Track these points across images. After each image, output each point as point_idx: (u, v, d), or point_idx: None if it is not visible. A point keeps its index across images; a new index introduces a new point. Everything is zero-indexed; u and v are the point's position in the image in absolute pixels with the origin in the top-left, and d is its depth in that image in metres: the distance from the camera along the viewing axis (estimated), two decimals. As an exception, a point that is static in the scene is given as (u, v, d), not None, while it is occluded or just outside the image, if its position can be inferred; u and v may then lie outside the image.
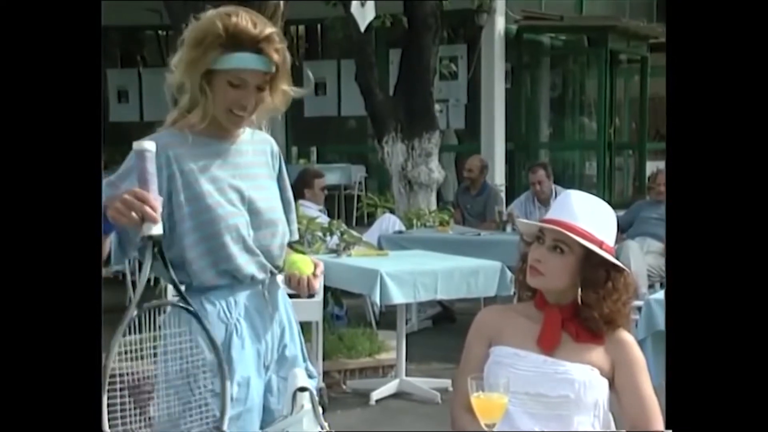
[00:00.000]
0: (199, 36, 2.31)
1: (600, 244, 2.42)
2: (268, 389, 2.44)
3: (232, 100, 2.34)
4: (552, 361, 2.41)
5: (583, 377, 2.39)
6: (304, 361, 2.53)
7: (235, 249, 2.36)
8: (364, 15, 7.64)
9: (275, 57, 2.34)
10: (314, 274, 2.44)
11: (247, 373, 2.37)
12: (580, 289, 2.43)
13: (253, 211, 2.40)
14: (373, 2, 7.64)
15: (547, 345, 2.43)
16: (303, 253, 2.68)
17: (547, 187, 8.08)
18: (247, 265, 2.38)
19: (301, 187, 7.32)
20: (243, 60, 2.32)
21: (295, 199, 8.14)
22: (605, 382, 2.43)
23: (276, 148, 2.57)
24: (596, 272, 2.41)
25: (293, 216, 2.57)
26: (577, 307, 2.47)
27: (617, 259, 2.47)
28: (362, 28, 7.95)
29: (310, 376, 2.50)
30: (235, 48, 2.30)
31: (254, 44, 2.31)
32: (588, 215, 2.44)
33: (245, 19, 2.32)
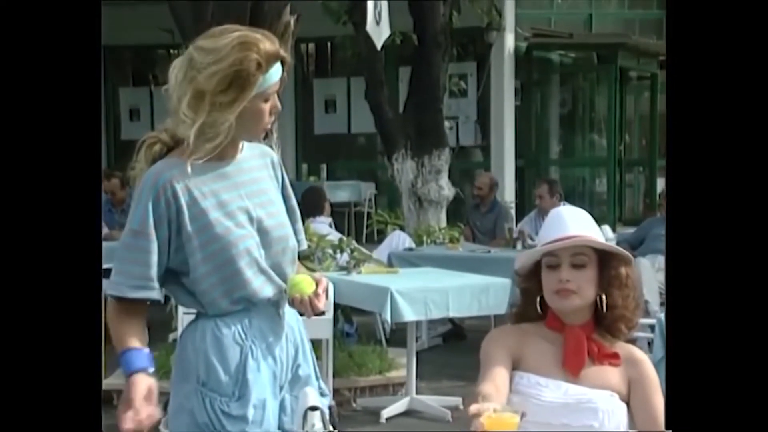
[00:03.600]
0: (229, 78, 2.26)
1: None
2: (281, 409, 2.42)
3: (268, 113, 2.36)
4: (574, 390, 2.37)
5: (607, 406, 2.36)
6: (317, 379, 2.52)
7: (249, 274, 2.34)
8: (380, 33, 7.64)
9: (288, 59, 2.37)
10: (316, 293, 2.39)
11: (263, 396, 2.36)
12: (604, 295, 2.40)
13: (262, 230, 2.38)
14: (388, 20, 7.64)
15: (574, 368, 2.39)
16: (313, 270, 2.67)
17: (547, 204, 8.05)
18: (261, 288, 2.36)
19: (321, 202, 7.36)
20: (273, 75, 2.33)
21: (314, 215, 8.06)
22: (624, 408, 2.40)
23: (276, 158, 2.54)
24: (618, 270, 2.41)
25: (299, 225, 2.54)
26: (593, 325, 2.45)
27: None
28: (378, 46, 7.94)
29: (322, 395, 2.50)
30: (267, 69, 2.31)
31: (277, 57, 2.33)
32: (585, 222, 2.45)
33: (265, 41, 2.31)
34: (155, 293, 2.29)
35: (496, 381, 2.34)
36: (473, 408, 2.04)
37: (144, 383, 2.21)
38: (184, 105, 2.28)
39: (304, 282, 2.39)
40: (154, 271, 2.28)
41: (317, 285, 2.41)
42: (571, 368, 2.39)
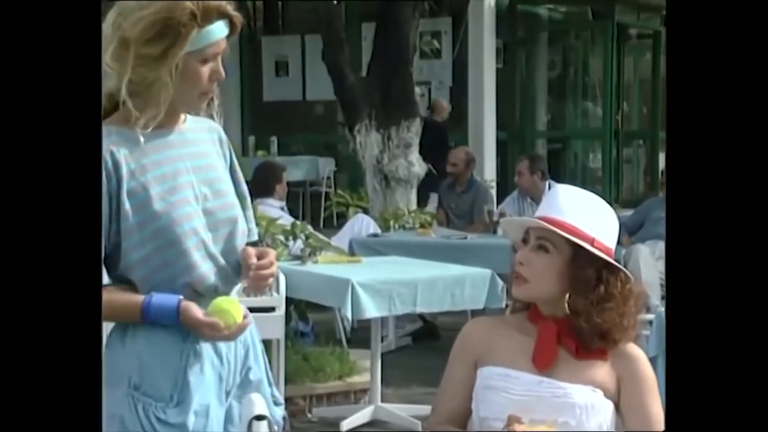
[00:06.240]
0: (157, 27, 2.27)
1: (591, 241, 2.45)
2: (228, 418, 2.44)
3: (207, 78, 2.37)
4: (549, 383, 2.44)
5: (585, 400, 2.42)
6: (270, 385, 2.55)
7: (196, 257, 2.36)
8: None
9: (236, 18, 2.38)
10: (260, 265, 2.42)
11: (206, 401, 2.37)
12: (567, 296, 2.47)
13: (207, 210, 2.40)
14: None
15: (542, 362, 2.46)
16: None
17: (527, 181, 8.13)
18: (209, 274, 2.38)
19: (272, 182, 7.34)
20: (215, 32, 2.34)
21: (263, 196, 8.00)
22: (610, 405, 2.46)
23: (224, 135, 2.57)
24: (584, 272, 2.44)
25: (251, 213, 2.57)
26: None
27: (625, 266, 2.51)
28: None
29: (275, 403, 2.53)
30: (204, 23, 2.31)
31: (221, 12, 2.34)
32: (576, 209, 2.49)
33: None
34: (104, 278, 2.31)
35: (455, 413, 2.53)
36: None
37: (192, 308, 2.32)
38: (108, 55, 2.29)
39: (227, 304, 2.37)
40: None
41: (262, 256, 2.42)
42: (539, 362, 2.46)
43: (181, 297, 2.33)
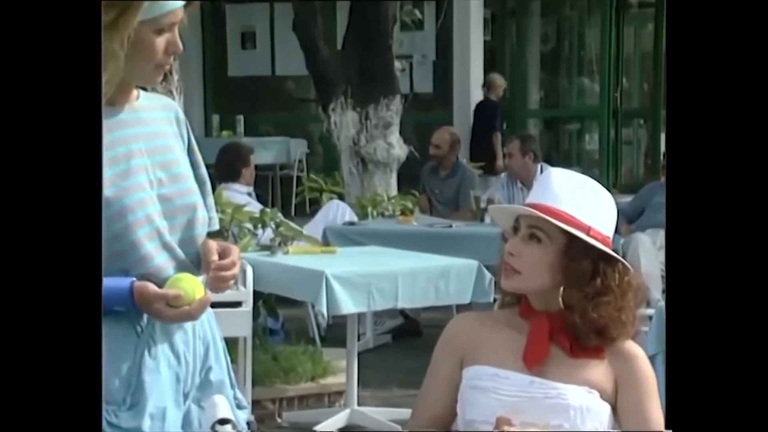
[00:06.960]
0: None
1: (587, 230, 2.47)
2: (186, 422, 2.46)
3: (163, 50, 2.37)
4: (540, 383, 2.46)
5: (580, 402, 2.44)
6: (232, 387, 2.56)
7: (150, 247, 2.36)
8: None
9: None
10: (220, 267, 2.41)
11: (163, 403, 2.38)
12: (561, 289, 2.48)
13: (164, 196, 2.41)
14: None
15: (533, 360, 2.47)
16: None
17: (518, 164, 8.15)
18: (166, 266, 2.39)
19: (238, 166, 7.34)
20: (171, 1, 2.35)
21: (228, 180, 7.97)
22: (606, 407, 2.48)
23: (181, 114, 2.57)
24: (579, 264, 2.46)
25: (211, 200, 2.58)
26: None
27: (623, 256, 2.52)
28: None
29: (238, 406, 2.55)
30: None
31: None
32: (570, 195, 2.50)
33: None
34: None
35: (438, 416, 2.55)
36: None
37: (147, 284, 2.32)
38: None
39: (185, 281, 2.37)
40: None
41: (224, 254, 2.42)
42: (529, 360, 2.48)
43: (134, 279, 2.33)
